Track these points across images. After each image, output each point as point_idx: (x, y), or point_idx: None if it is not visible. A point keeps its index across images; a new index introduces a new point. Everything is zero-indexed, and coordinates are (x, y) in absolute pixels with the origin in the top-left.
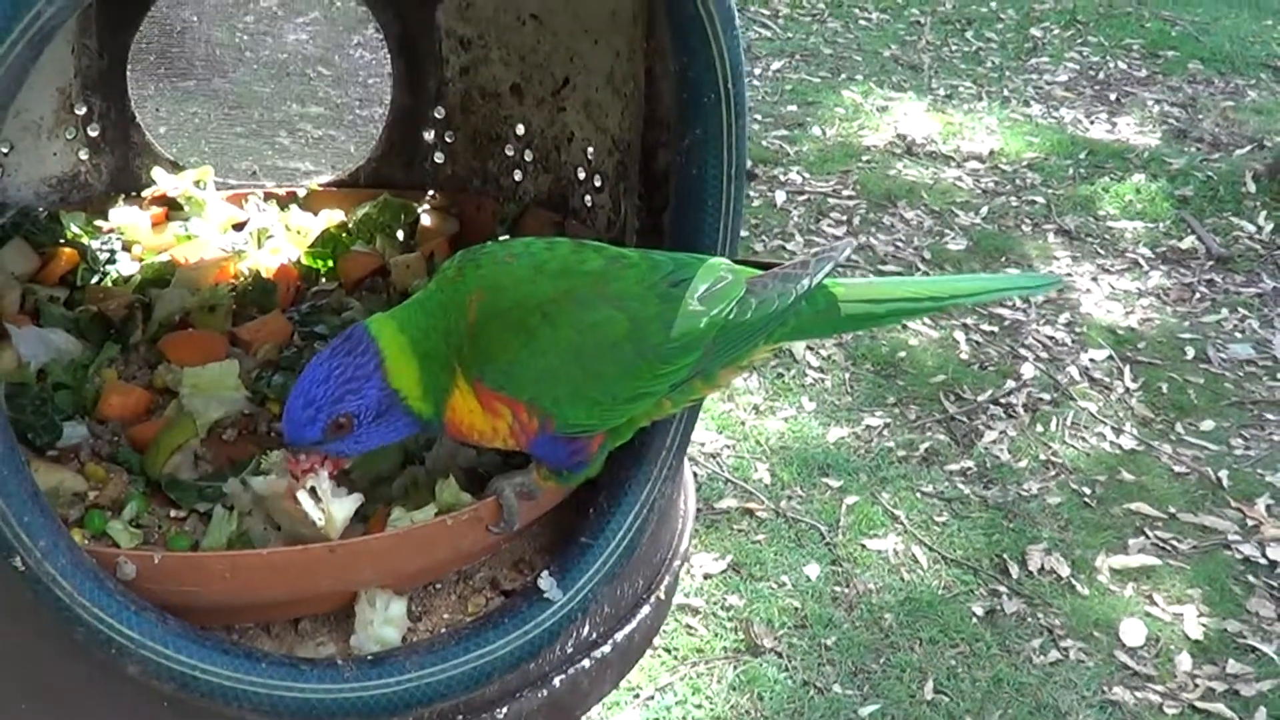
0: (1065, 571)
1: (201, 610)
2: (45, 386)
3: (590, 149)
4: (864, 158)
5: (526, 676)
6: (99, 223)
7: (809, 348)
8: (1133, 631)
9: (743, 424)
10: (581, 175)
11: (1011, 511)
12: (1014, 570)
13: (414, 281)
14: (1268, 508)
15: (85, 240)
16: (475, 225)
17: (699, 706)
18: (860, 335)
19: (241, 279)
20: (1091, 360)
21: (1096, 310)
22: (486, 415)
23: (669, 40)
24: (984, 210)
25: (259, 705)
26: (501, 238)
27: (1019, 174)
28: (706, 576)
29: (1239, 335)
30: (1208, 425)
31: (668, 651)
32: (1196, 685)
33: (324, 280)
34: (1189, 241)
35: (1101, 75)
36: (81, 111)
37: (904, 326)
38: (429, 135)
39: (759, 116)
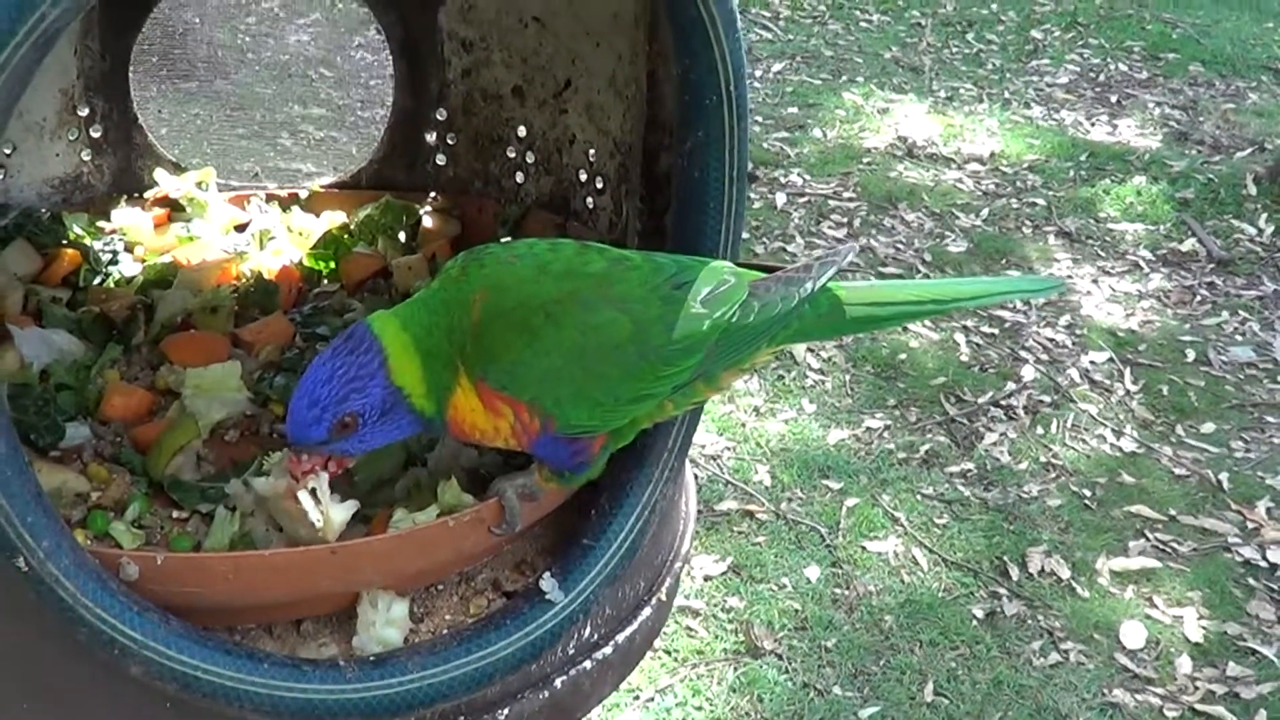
0: (1065, 574)
1: (204, 611)
2: (48, 387)
3: (592, 151)
4: (865, 160)
5: (528, 678)
6: (101, 224)
7: (809, 350)
8: (1133, 634)
9: (743, 426)
10: (583, 177)
11: (1012, 514)
12: (1014, 572)
13: (416, 283)
14: (1268, 510)
15: (88, 241)
16: (477, 227)
17: (699, 708)
18: (861, 337)
19: (243, 280)
20: (1092, 362)
21: (1097, 312)
22: (488, 414)
23: (671, 43)
24: (985, 212)
25: (261, 706)
26: (503, 239)
27: (1020, 176)
28: (707, 578)
29: (1239, 338)
30: (1208, 428)
31: (668, 653)
32: (1197, 688)
33: (326, 282)
34: (1190, 244)
35: (1102, 77)
36: (84, 113)
37: (905, 329)
38: (431, 137)
39: (759, 118)
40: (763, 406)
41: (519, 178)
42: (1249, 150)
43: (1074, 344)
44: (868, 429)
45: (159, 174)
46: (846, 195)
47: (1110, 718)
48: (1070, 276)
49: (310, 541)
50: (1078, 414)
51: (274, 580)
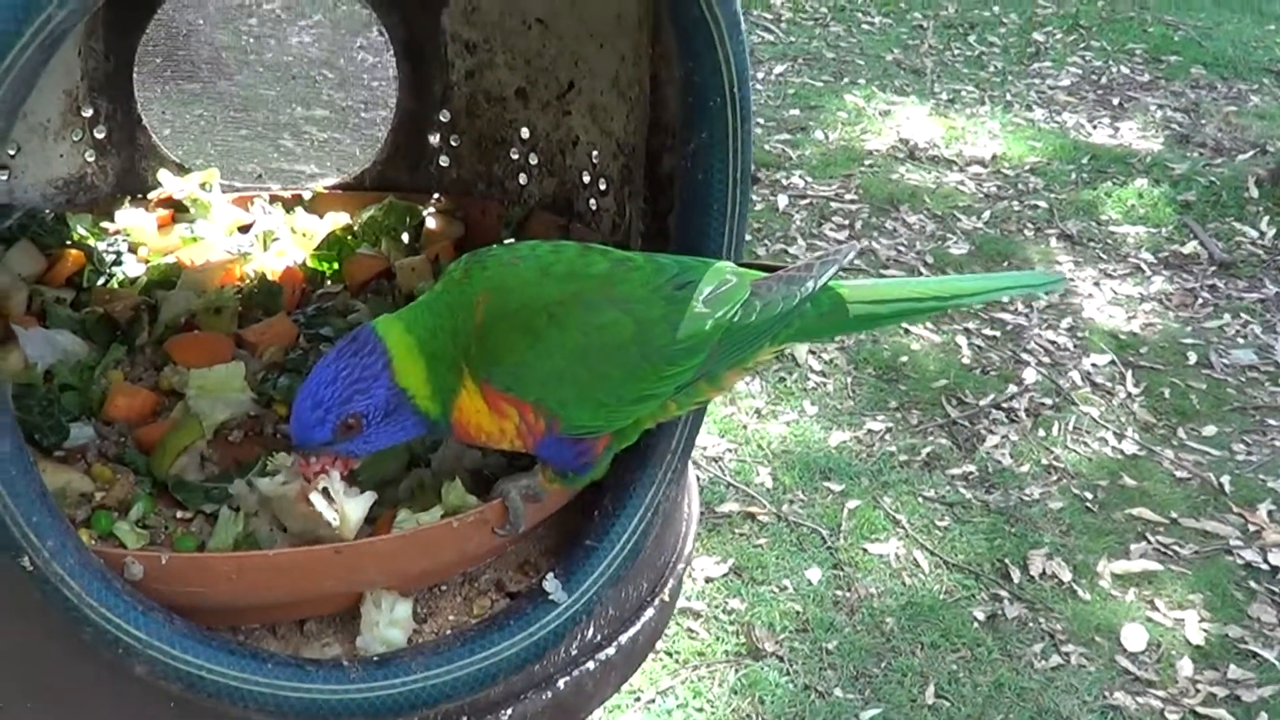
0: (1067, 576)
1: (208, 611)
2: (52, 387)
3: (595, 153)
4: (866, 162)
5: (531, 678)
6: (105, 224)
7: (811, 352)
8: (1134, 636)
9: (744, 428)
10: (586, 179)
11: (1013, 516)
12: (1015, 575)
13: (419, 284)
14: (1269, 513)
15: (92, 242)
16: (480, 228)
17: (700, 710)
18: (862, 339)
19: (247, 281)
20: (1093, 365)
21: (1099, 315)
22: (493, 416)
23: (674, 44)
24: (986, 215)
25: (264, 705)
26: (506, 241)
27: (1021, 178)
28: (708, 580)
29: (1241, 340)
30: (1210, 430)
31: (669, 655)
32: (1198, 690)
33: (329, 283)
34: (1191, 246)
35: (1104, 80)
36: (88, 114)
37: (906, 330)
38: (434, 139)
39: (761, 120)
40: (764, 408)
41: (522, 179)
42: (1251, 153)
43: (1075, 346)
44: (869, 431)
45: (163, 175)
46: (848, 197)
47: None
48: (1072, 279)
49: (329, 541)
50: (1079, 416)
51: (278, 580)
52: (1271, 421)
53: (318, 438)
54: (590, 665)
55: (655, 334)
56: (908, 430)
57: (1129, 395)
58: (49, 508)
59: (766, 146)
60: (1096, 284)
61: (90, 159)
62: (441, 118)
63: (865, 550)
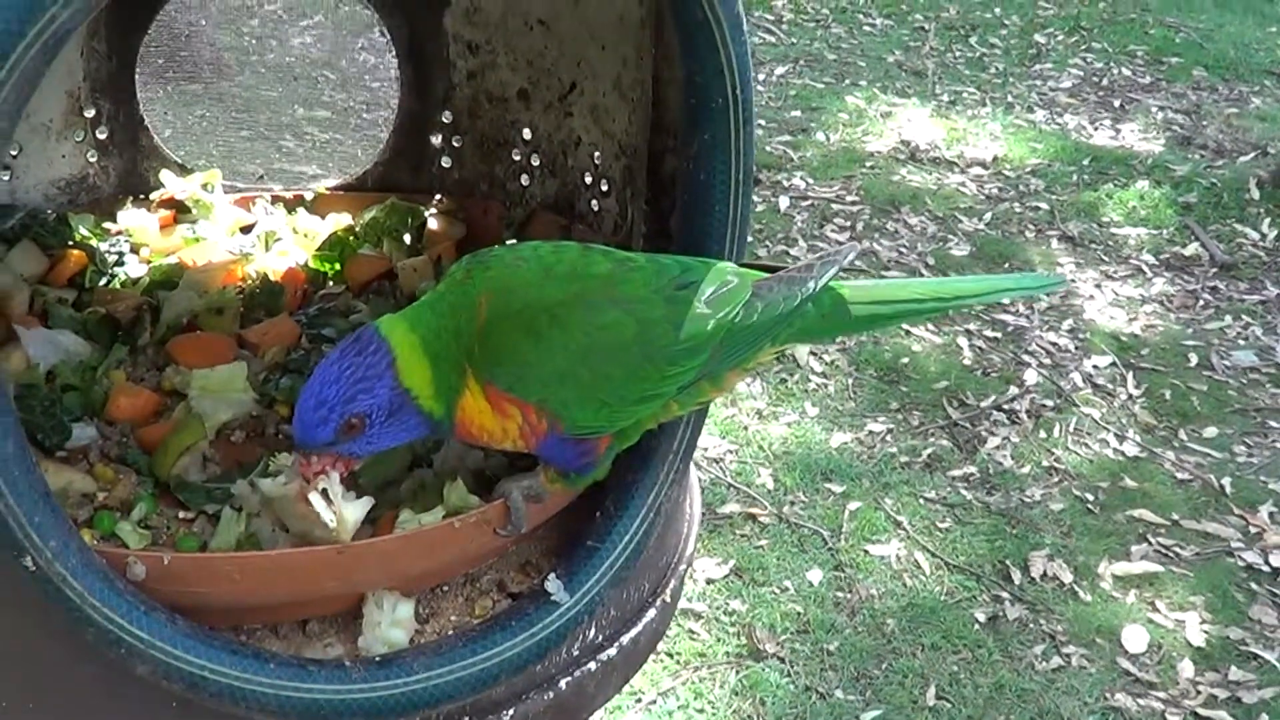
0: (1068, 578)
1: (210, 611)
2: (54, 388)
3: (597, 154)
4: (868, 163)
5: (533, 679)
6: (107, 225)
7: (812, 353)
8: (1135, 638)
9: (746, 429)
10: (588, 180)
11: (1014, 518)
12: (1016, 576)
13: (421, 284)
14: (1270, 515)
15: (94, 242)
16: (482, 229)
17: (701, 711)
18: (863, 340)
19: (249, 282)
20: (1095, 367)
21: (1100, 317)
22: (496, 416)
23: (677, 45)
24: (987, 216)
25: (267, 705)
26: (508, 242)
27: (1022, 180)
28: (709, 581)
29: (1242, 342)
30: (1211, 432)
31: (670, 656)
32: (1199, 692)
33: (331, 283)
34: (1193, 248)
35: (1105, 82)
36: (90, 114)
37: (907, 332)
38: (436, 139)
39: (762, 122)
40: (765, 410)
41: (524, 180)
42: (1252, 155)
43: (1077, 348)
44: (870, 432)
45: (165, 176)
46: (849, 199)
47: None
48: (1073, 280)
49: (326, 542)
50: (1080, 418)
51: (280, 580)
52: (1272, 423)
53: (320, 437)
54: (592, 666)
55: (657, 334)
56: (909, 431)
57: (1130, 397)
58: (51, 508)
59: (768, 148)
60: (1098, 285)
61: (92, 159)
62: (443, 118)
63: (866, 551)
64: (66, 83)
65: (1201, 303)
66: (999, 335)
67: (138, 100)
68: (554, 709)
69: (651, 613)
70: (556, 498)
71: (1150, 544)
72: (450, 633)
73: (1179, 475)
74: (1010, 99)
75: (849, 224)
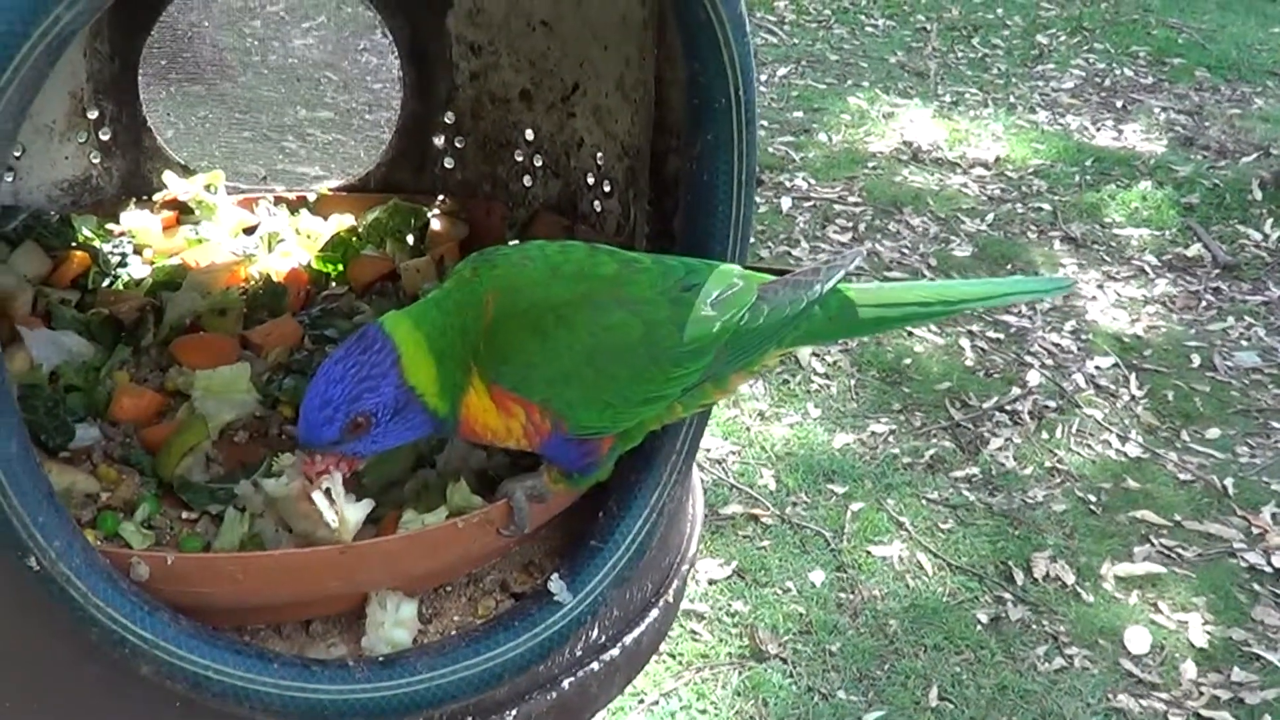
0: (1070, 579)
1: (213, 611)
2: (57, 388)
3: (600, 154)
4: (870, 164)
5: (536, 679)
6: (110, 226)
7: (815, 355)
8: (1138, 639)
9: (748, 430)
10: (591, 180)
11: (1017, 519)
12: (1019, 577)
13: (424, 285)
14: (1273, 516)
15: (97, 243)
16: (485, 230)
17: (704, 712)
18: (866, 342)
19: (252, 283)
20: (1097, 368)
21: (1102, 318)
22: (501, 415)
23: (680, 46)
24: (990, 217)
25: (270, 705)
26: (512, 242)
27: (1025, 181)
28: (711, 582)
29: (1245, 343)
30: (1213, 433)
31: (673, 657)
32: (1201, 693)
33: (334, 284)
34: (1195, 249)
35: (1108, 82)
36: (93, 115)
37: (909, 333)
38: (439, 140)
39: (765, 123)
40: (768, 411)
41: (527, 181)
42: (1254, 155)
43: (1079, 349)
44: (873, 433)
45: (168, 177)
46: (852, 200)
47: None
48: (1075, 281)
49: (327, 542)
50: (1083, 419)
51: (283, 581)
52: (1275, 424)
53: (325, 437)
54: (594, 666)
55: (663, 336)
56: (911, 433)
57: (1132, 398)
58: (55, 508)
59: (770, 149)
60: (1100, 286)
61: (95, 161)
62: (446, 119)
63: (869, 552)
64: (70, 84)
65: (1204, 304)
66: (1001, 336)
67: (140, 101)
68: (557, 709)
69: (654, 613)
70: (559, 498)
71: (1153, 545)
72: (453, 633)
73: (1181, 476)
74: (1012, 100)
75: (851, 225)
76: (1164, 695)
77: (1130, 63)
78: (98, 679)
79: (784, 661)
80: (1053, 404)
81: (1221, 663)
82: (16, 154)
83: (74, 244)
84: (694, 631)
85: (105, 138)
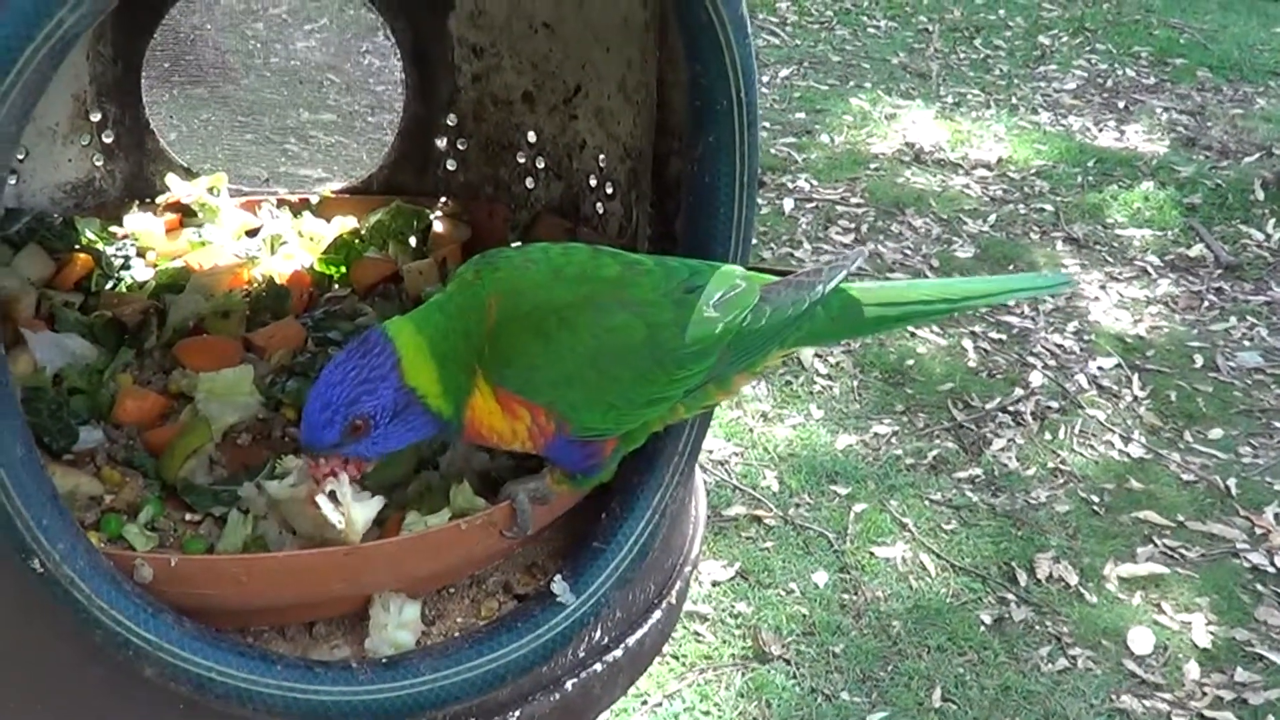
0: (1073, 579)
1: (217, 613)
2: (61, 391)
3: (602, 156)
4: (872, 165)
5: (539, 680)
6: (113, 229)
7: (817, 356)
8: (1141, 640)
9: (751, 431)
10: (593, 182)
11: (1020, 519)
12: (1022, 578)
13: (426, 287)
14: (1276, 516)
15: (100, 246)
16: (487, 232)
17: (707, 713)
18: (868, 343)
19: (255, 285)
20: (1100, 368)
21: (1105, 318)
22: (506, 417)
23: (681, 47)
24: (992, 218)
25: (274, 707)
26: (514, 244)
27: (1027, 182)
28: (715, 583)
29: (1247, 343)
30: (1216, 433)
31: (676, 658)
32: (1205, 694)
33: (337, 286)
34: (1197, 249)
35: (1110, 83)
36: (96, 118)
37: (912, 334)
38: (441, 142)
39: (767, 124)
40: (770, 412)
41: (529, 183)
42: (1257, 155)
43: (1082, 350)
44: (875, 434)
45: (170, 179)
46: (854, 201)
47: None
48: (1078, 282)
49: (337, 543)
50: (1085, 420)
51: (286, 583)
52: (1278, 424)
53: (326, 439)
54: (597, 668)
55: (666, 337)
56: (914, 433)
57: (1135, 398)
58: (59, 511)
59: (772, 150)
60: (1102, 287)
61: (98, 163)
62: (448, 121)
63: (872, 554)
64: (72, 86)
65: (1206, 304)
66: (1004, 337)
67: (143, 104)
68: (560, 711)
69: (657, 614)
70: (562, 499)
71: (1156, 545)
72: (457, 634)
73: (1184, 477)
74: (1015, 100)
75: (853, 226)
76: (1167, 696)
77: (1132, 63)
78: (101, 681)
79: (787, 663)
80: (1055, 404)
81: (1225, 663)
82: (20, 157)
83: (77, 247)
84: (697, 633)
85: (108, 140)
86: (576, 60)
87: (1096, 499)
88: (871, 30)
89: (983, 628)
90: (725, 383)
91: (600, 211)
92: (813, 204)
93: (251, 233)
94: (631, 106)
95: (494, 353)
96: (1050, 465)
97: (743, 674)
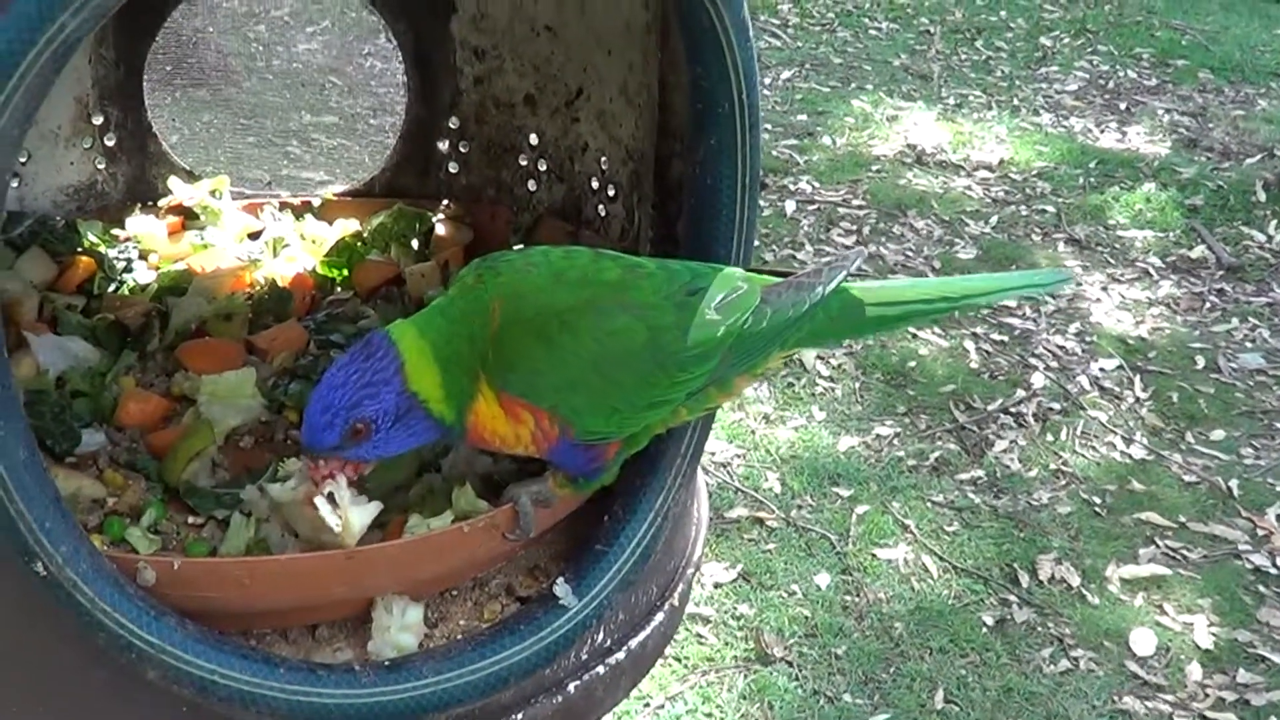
0: (1075, 581)
1: (220, 616)
2: (64, 394)
3: (604, 159)
4: (874, 167)
5: (541, 683)
6: (116, 231)
7: (819, 357)
8: (1143, 641)
9: (753, 433)
10: (595, 185)
11: (1022, 521)
12: (1024, 579)
13: (429, 290)
14: (1278, 517)
15: (102, 249)
16: (489, 234)
17: (709, 715)
18: (870, 344)
19: (257, 288)
20: (1102, 370)
21: (1107, 319)
22: (509, 421)
23: (683, 50)
24: (994, 219)
25: (277, 710)
26: (516, 247)
27: (1029, 183)
28: (717, 585)
29: (1249, 344)
30: (1218, 435)
31: (678, 660)
32: (1207, 695)
33: (339, 289)
34: (1199, 251)
35: (1111, 84)
36: (98, 121)
37: (914, 335)
38: (443, 145)
39: (769, 126)
40: (772, 414)
41: (531, 185)
42: (1258, 157)
43: (1084, 351)
44: (877, 436)
45: (173, 182)
46: (856, 203)
47: None
48: (1080, 283)
49: (333, 546)
50: (1087, 421)
51: (289, 585)
52: None
53: (326, 442)
54: (600, 670)
55: (667, 340)
56: (916, 435)
57: (1137, 400)
58: (62, 514)
59: (774, 152)
60: (1104, 288)
61: (101, 166)
62: (450, 124)
63: (874, 555)
64: (75, 89)
65: (1208, 305)
66: (1006, 338)
67: (145, 107)
68: (562, 713)
69: (659, 617)
70: (565, 502)
71: (1158, 546)
72: (459, 637)
73: (1186, 478)
74: (1016, 102)
75: (855, 228)
76: (1169, 697)
77: (1134, 65)
78: (104, 683)
79: (789, 665)
80: (1057, 406)
81: (1227, 664)
82: (22, 160)
83: (79, 249)
84: (699, 635)
85: (110, 143)
86: (578, 63)
87: (1098, 500)
88: (873, 32)
89: (985, 629)
90: (727, 385)
91: (602, 214)
92: (814, 206)
93: (254, 235)
94: (633, 109)
95: (497, 357)
96: (1052, 467)
97: (745, 676)
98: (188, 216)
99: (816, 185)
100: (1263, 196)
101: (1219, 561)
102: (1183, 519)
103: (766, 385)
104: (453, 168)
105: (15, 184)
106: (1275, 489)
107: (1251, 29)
